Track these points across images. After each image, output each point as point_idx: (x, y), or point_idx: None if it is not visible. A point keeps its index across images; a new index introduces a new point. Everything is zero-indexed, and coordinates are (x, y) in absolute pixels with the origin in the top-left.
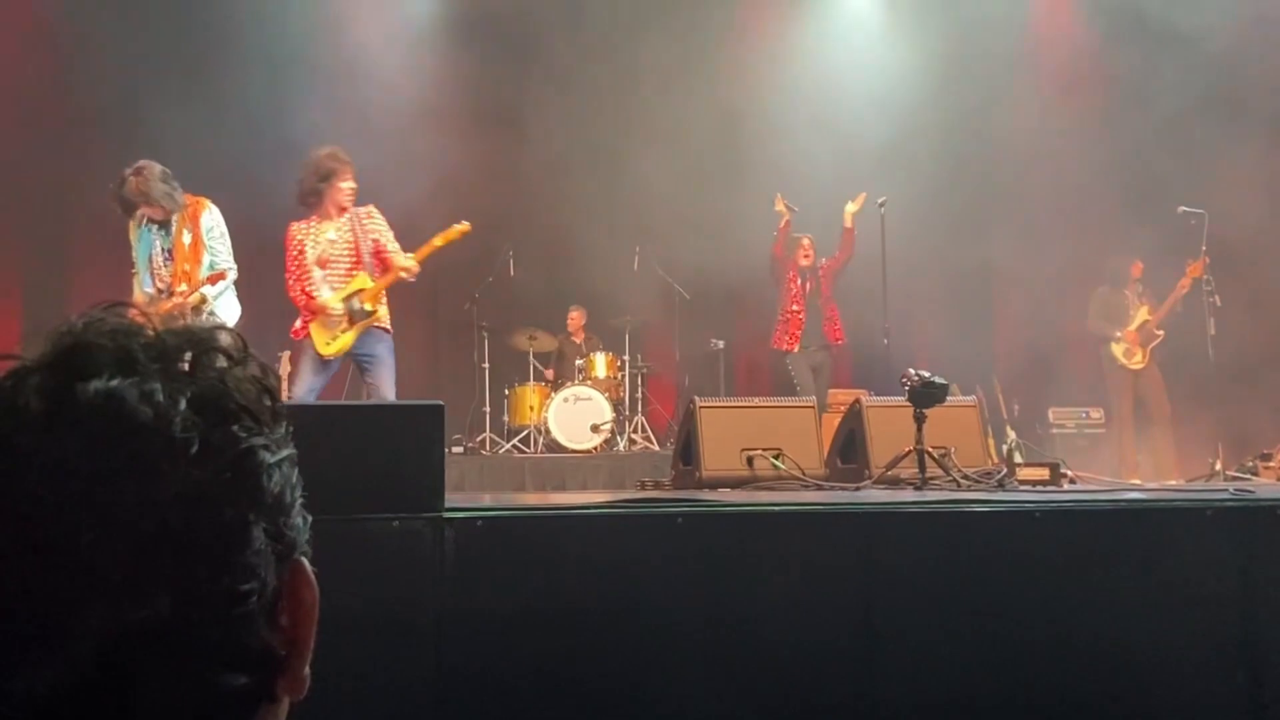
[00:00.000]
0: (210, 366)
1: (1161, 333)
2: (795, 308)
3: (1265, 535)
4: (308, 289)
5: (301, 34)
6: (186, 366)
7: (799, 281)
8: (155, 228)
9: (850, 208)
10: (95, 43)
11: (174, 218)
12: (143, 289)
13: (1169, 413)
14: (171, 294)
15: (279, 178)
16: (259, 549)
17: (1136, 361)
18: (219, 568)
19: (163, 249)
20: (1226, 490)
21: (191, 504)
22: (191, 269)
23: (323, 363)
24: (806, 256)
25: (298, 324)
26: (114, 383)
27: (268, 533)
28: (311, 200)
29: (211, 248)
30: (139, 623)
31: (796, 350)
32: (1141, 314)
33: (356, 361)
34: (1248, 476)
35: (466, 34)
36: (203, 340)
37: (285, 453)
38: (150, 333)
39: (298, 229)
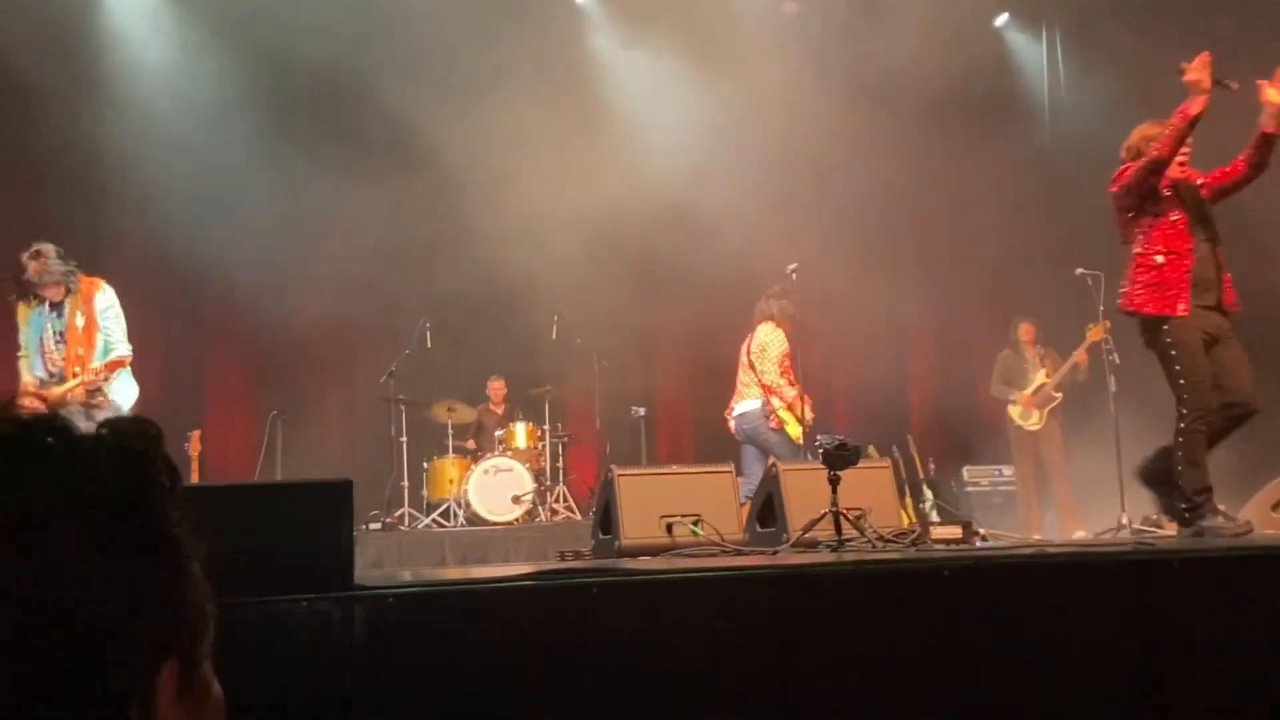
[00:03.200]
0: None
1: (1059, 395)
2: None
3: (1167, 587)
4: None
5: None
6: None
7: (1181, 205)
8: (48, 309)
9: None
10: None
11: (67, 300)
12: (32, 372)
13: (1064, 472)
14: (64, 378)
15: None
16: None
17: (1033, 423)
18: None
19: (55, 331)
20: (1130, 544)
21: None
22: (85, 352)
23: None
24: (1183, 165)
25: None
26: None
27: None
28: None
29: (105, 329)
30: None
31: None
32: (1039, 377)
33: None
34: (1152, 529)
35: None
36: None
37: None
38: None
39: None
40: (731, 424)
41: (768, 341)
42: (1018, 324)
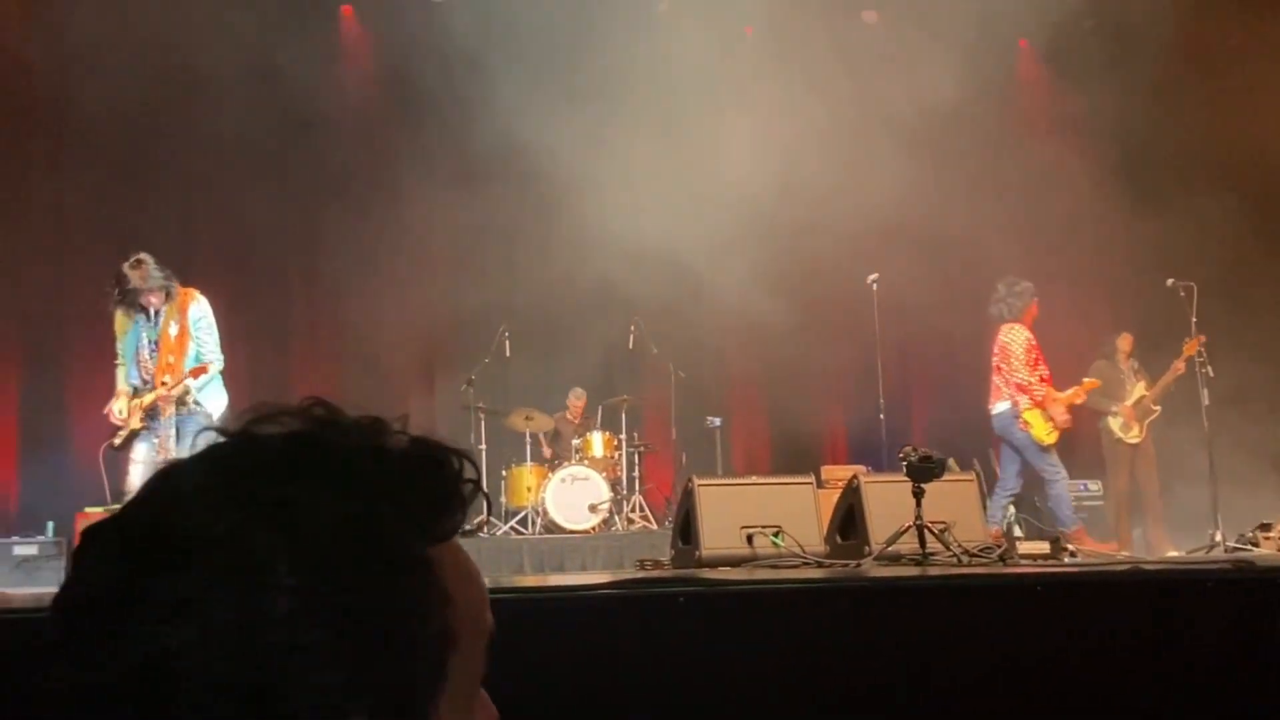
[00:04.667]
0: None
1: (1158, 408)
2: None
3: (1265, 605)
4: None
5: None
6: None
7: None
8: (143, 319)
9: None
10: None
11: (163, 309)
12: (127, 380)
13: (1158, 488)
14: (155, 385)
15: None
16: None
17: (1133, 436)
18: None
19: (149, 340)
20: (1226, 562)
21: None
22: (176, 360)
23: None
24: None
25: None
26: None
27: None
28: None
29: (198, 338)
30: None
31: None
32: (1138, 389)
33: None
34: (1248, 548)
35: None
36: None
37: None
38: None
39: None
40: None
41: (1007, 342)
42: (1117, 335)
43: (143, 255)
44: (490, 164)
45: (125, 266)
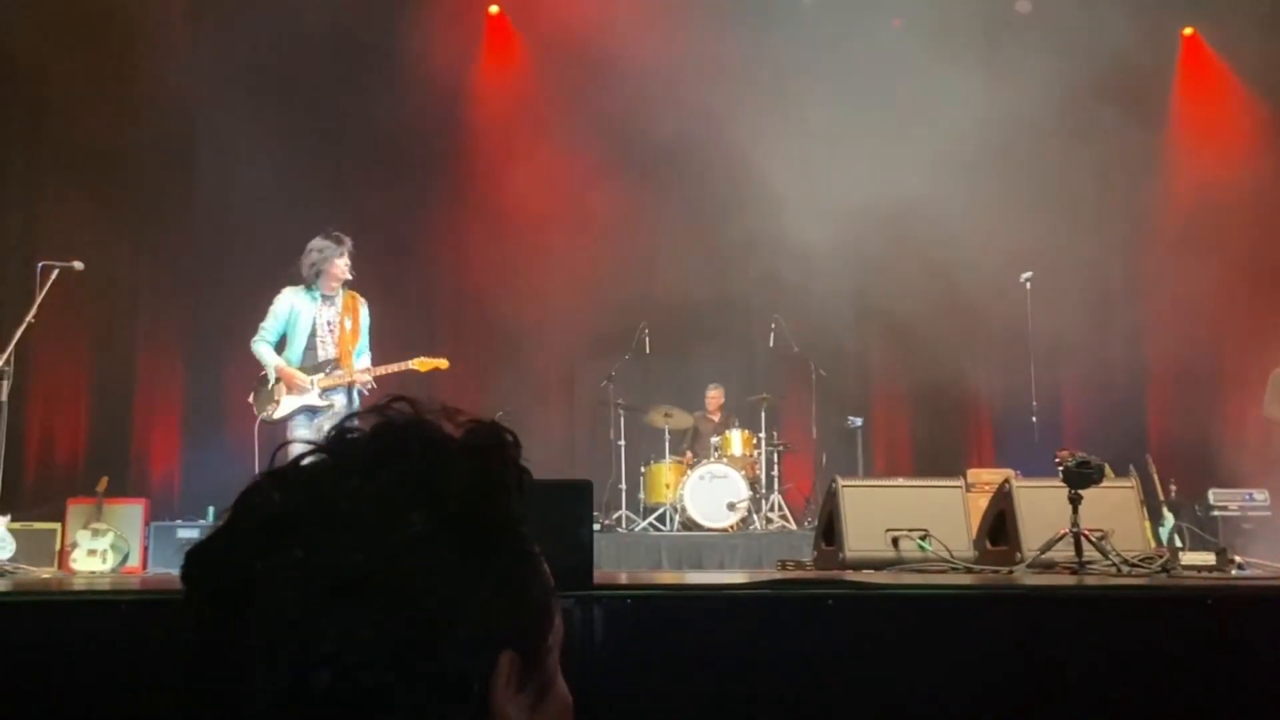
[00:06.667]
0: None
1: None
2: None
3: None
4: None
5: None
6: None
7: None
8: (317, 301)
9: None
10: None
11: (337, 297)
12: (296, 354)
13: None
14: (326, 368)
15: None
16: None
17: None
18: None
19: (327, 321)
20: None
21: None
22: (348, 350)
23: None
24: None
25: None
26: None
27: None
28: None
29: (364, 339)
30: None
31: None
32: None
33: None
34: None
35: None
36: None
37: None
38: None
39: None
40: None
41: None
42: None
43: (347, 239)
44: (631, 158)
45: (331, 247)
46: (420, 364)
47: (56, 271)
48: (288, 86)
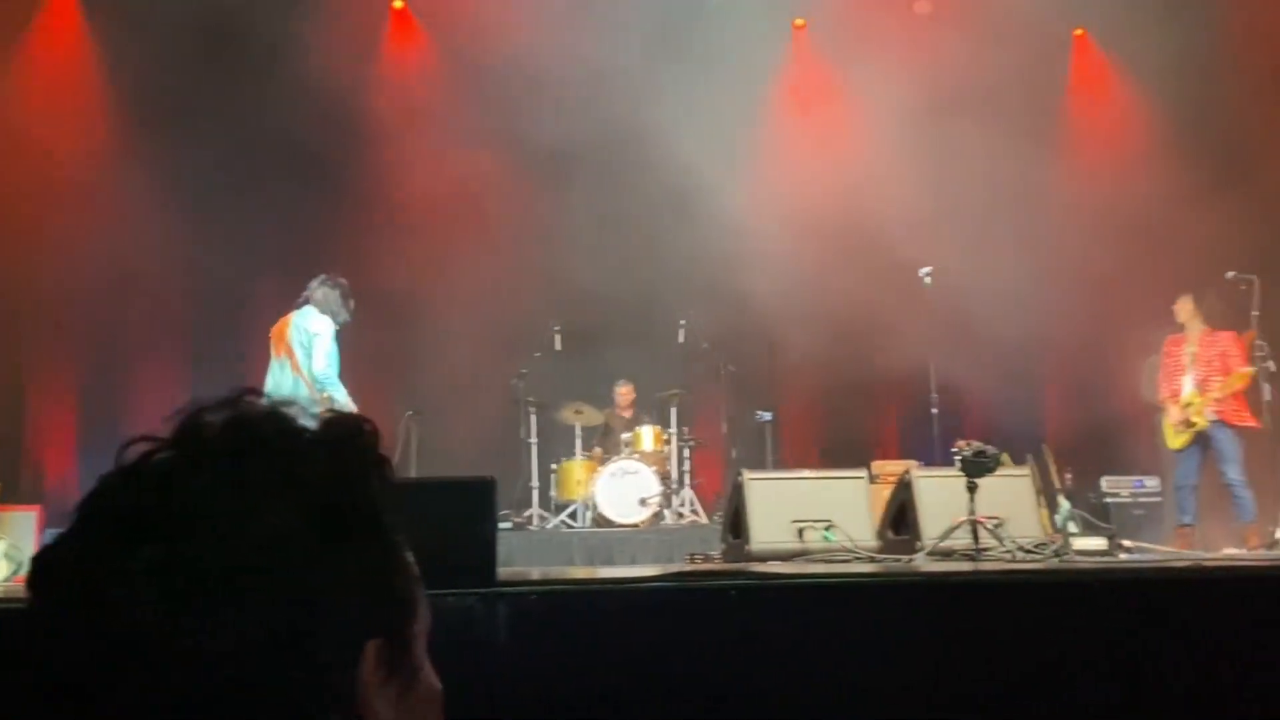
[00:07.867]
0: None
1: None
2: None
3: None
4: None
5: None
6: None
7: None
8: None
9: None
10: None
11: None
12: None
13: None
14: None
15: None
16: None
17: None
18: None
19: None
20: None
21: None
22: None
23: None
24: None
25: None
26: None
27: None
28: None
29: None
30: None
31: None
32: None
33: None
34: None
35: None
36: None
37: None
38: None
39: None
40: None
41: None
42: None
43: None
44: (540, 157)
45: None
46: None
47: None
48: (173, 88)
